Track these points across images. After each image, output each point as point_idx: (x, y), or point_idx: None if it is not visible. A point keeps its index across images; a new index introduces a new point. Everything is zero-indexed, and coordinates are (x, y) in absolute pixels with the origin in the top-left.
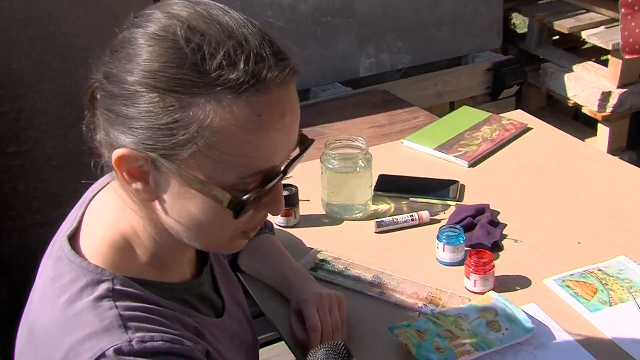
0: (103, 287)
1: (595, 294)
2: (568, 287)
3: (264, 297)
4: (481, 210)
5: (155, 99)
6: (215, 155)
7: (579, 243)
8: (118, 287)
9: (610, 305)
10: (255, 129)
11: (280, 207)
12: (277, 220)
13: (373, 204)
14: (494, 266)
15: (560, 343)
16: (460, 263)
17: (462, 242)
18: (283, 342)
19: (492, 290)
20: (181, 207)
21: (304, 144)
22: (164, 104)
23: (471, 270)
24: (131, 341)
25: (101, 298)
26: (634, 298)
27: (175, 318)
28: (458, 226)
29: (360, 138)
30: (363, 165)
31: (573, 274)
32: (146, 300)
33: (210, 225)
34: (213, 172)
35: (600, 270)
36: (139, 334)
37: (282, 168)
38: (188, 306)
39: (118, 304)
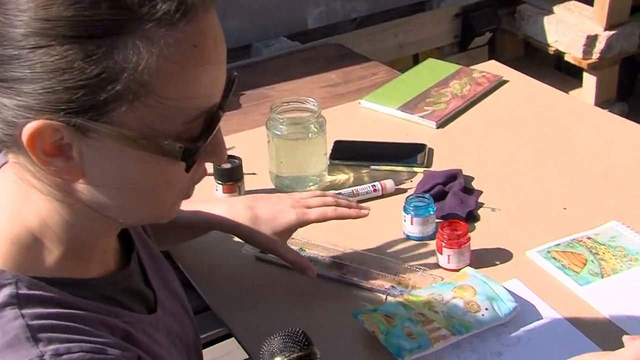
0: (4, 293)
1: (585, 265)
2: (554, 258)
3: (209, 288)
4: (452, 176)
5: (68, 51)
6: (155, 102)
7: (565, 209)
8: (23, 291)
9: (602, 277)
10: (194, 64)
11: (224, 151)
12: None
13: (329, 175)
14: (469, 238)
15: (547, 321)
16: (431, 237)
17: (432, 213)
18: (232, 339)
19: (468, 265)
20: (118, 176)
21: (230, 78)
22: (82, 54)
23: (443, 244)
24: (42, 355)
25: (2, 306)
26: (629, 268)
27: (98, 321)
28: (427, 195)
29: (311, 99)
30: (315, 130)
31: (559, 244)
32: (61, 303)
33: (155, 188)
34: (156, 122)
35: (589, 238)
36: (52, 346)
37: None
38: (114, 304)
39: (24, 311)
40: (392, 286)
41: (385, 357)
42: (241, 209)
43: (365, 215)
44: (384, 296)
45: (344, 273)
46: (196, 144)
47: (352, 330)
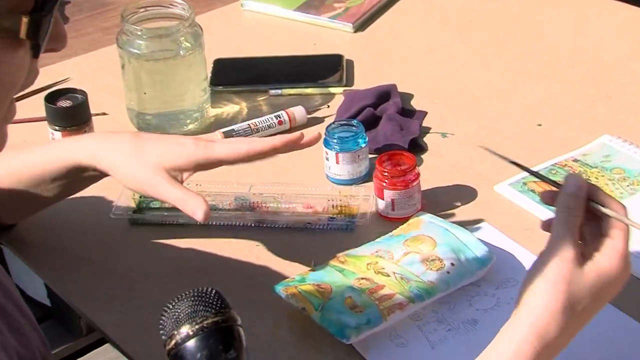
0: None
1: None
2: (532, 191)
3: (59, 277)
4: (384, 94)
5: None
6: None
7: (540, 125)
8: None
9: None
10: None
11: (64, 33)
12: None
13: (212, 107)
14: (418, 175)
15: None
16: (365, 178)
17: (363, 145)
18: (107, 346)
19: (420, 211)
20: None
21: None
22: None
23: (384, 184)
24: None
25: None
26: (632, 194)
27: None
28: (354, 121)
29: (179, 0)
30: (189, 45)
31: (537, 172)
32: None
33: None
34: None
35: (576, 160)
36: None
37: None
38: None
39: None
40: (332, 218)
41: (323, 340)
42: (119, 137)
43: (305, 142)
44: (311, 262)
45: (263, 219)
46: (41, 12)
47: (272, 310)
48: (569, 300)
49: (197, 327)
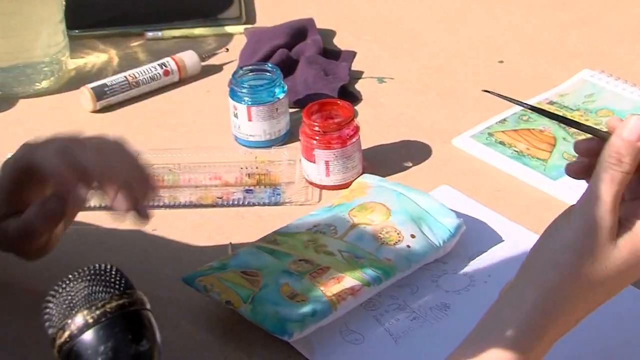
0: None
1: (554, 146)
2: (501, 143)
3: None
4: (299, 31)
5: None
6: None
7: (501, 62)
8: None
9: None
10: None
11: None
12: None
13: (71, 57)
14: (357, 129)
15: (510, 244)
16: (286, 137)
17: (281, 95)
18: None
19: (363, 173)
20: None
21: None
22: None
23: (314, 143)
24: None
25: None
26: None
27: None
28: (269, 65)
29: None
30: None
31: (504, 119)
32: None
33: None
34: None
35: (552, 102)
36: None
37: None
38: None
39: None
40: (248, 189)
41: (255, 340)
42: None
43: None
44: (228, 245)
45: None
46: None
47: (186, 308)
48: (591, 282)
49: (97, 312)
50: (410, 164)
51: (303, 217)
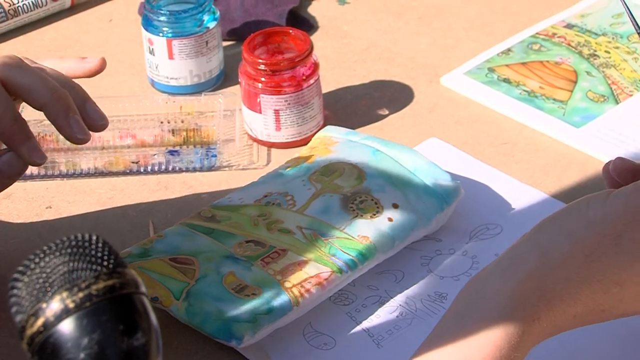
0: None
1: (576, 83)
2: (506, 80)
3: None
4: None
5: None
6: None
7: None
8: None
9: (617, 102)
10: None
11: None
12: None
13: None
14: (316, 66)
15: (522, 212)
16: (220, 80)
17: (211, 24)
18: None
19: (326, 125)
20: None
21: None
22: None
23: (259, 86)
24: None
25: None
26: None
27: None
28: None
29: None
30: None
31: (509, 49)
32: None
33: None
34: None
35: (570, 25)
36: None
37: None
38: None
39: None
40: (172, 151)
41: (190, 346)
42: None
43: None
44: (149, 222)
45: (45, 165)
46: None
47: None
48: (607, 276)
49: (80, 295)
50: (387, 112)
51: (248, 185)
